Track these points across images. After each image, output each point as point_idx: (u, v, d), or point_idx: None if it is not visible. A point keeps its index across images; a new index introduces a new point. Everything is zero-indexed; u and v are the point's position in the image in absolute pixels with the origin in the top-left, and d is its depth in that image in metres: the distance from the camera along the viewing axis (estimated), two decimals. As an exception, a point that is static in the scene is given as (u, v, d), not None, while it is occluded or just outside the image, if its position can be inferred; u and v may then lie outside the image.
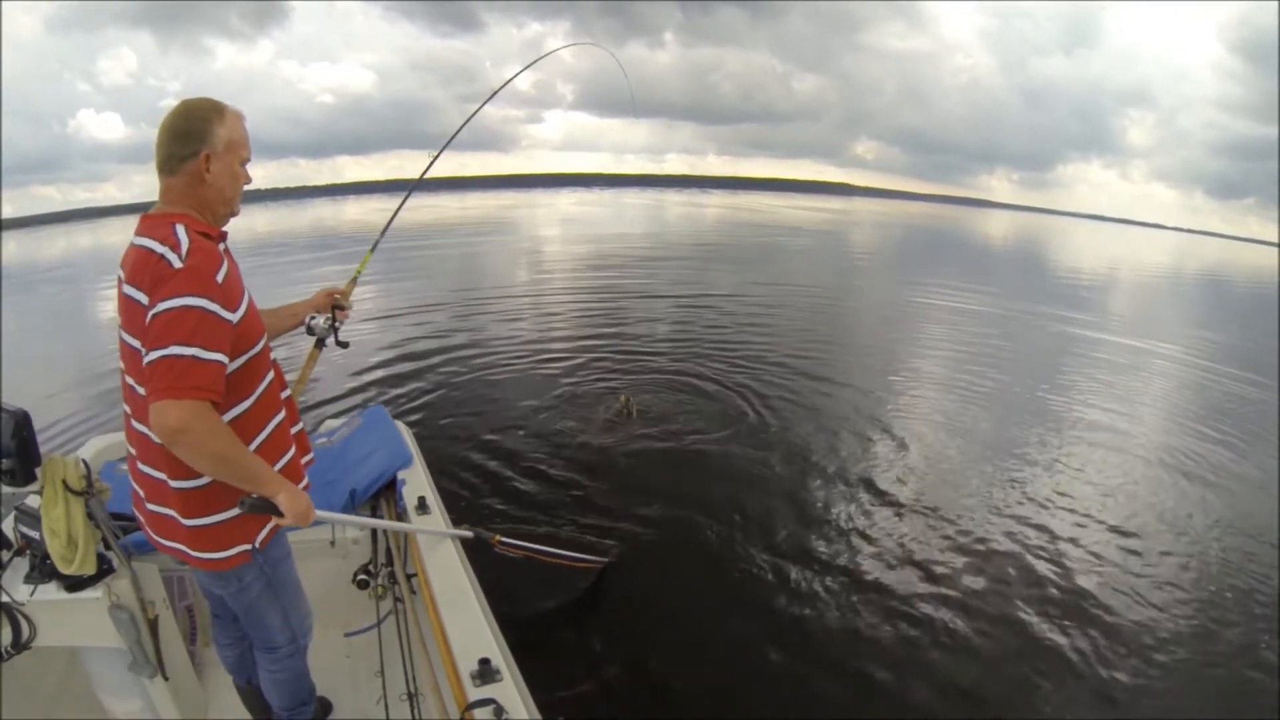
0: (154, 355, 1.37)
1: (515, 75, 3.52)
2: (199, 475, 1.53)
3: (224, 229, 1.63)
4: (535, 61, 3.79)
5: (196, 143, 1.50)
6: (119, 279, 1.53)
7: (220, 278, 1.47)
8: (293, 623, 1.91)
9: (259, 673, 2.02)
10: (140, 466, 1.63)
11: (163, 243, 1.43)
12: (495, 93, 3.32)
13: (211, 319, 1.42)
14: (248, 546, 1.66)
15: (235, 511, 1.56)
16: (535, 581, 3.40)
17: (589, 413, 6.11)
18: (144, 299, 1.42)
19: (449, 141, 3.18)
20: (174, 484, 1.56)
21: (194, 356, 1.37)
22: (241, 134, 1.58)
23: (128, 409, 1.61)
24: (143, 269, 1.44)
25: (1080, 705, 3.01)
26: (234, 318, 1.48)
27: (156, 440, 1.48)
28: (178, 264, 1.41)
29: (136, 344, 1.45)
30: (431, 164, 3.19)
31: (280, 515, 1.56)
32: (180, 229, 1.46)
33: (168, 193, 1.53)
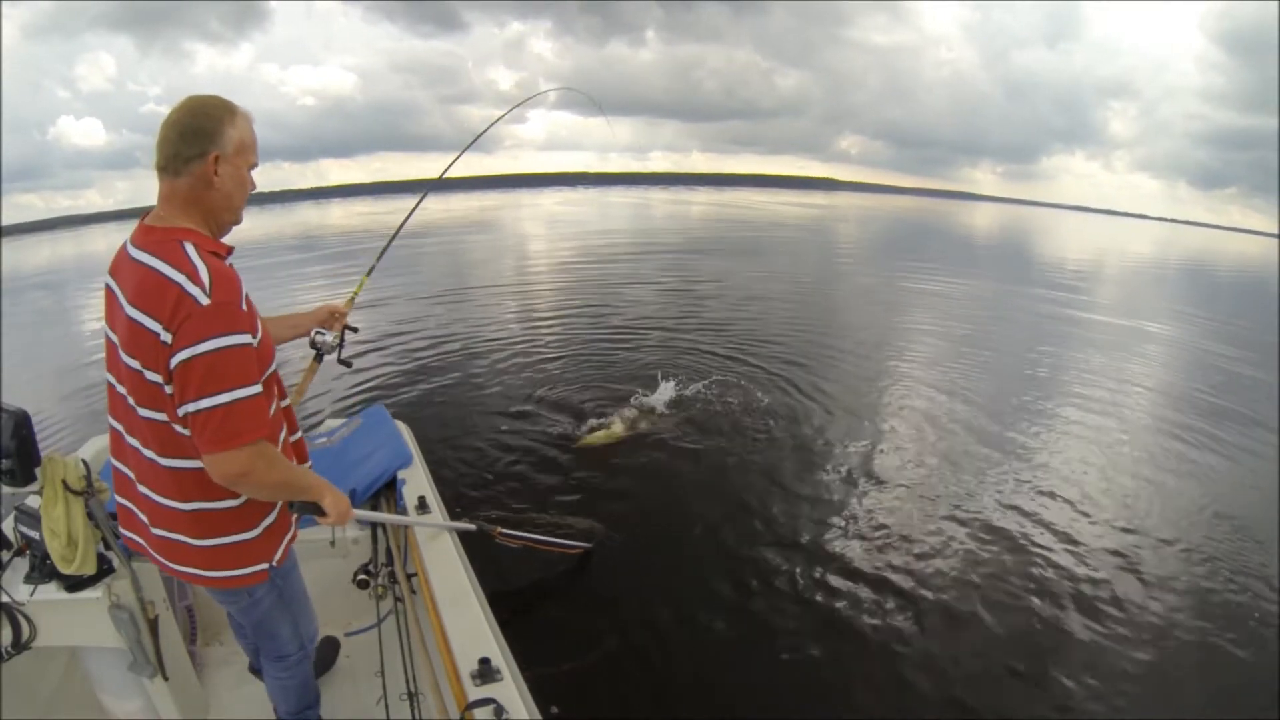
0: (198, 406, 1.34)
1: (516, 107, 4.06)
2: (215, 498, 1.51)
3: (230, 245, 1.54)
4: (529, 99, 4.32)
5: (206, 142, 1.40)
6: (112, 291, 1.45)
7: (244, 305, 1.42)
8: (301, 631, 1.92)
9: (265, 679, 2.03)
10: (142, 490, 1.55)
11: (177, 267, 1.34)
12: (505, 114, 3.73)
13: (246, 352, 1.40)
14: (265, 565, 1.64)
15: (252, 533, 1.60)
16: (529, 569, 3.51)
17: (583, 405, 6.13)
18: (160, 330, 1.33)
19: (462, 152, 3.35)
20: (184, 506, 1.51)
21: (239, 399, 1.37)
22: (252, 137, 1.49)
23: (119, 426, 1.54)
24: (156, 297, 1.34)
25: (1077, 704, 2.96)
26: (256, 342, 1.45)
27: (163, 464, 1.48)
28: (204, 300, 1.32)
29: (138, 365, 1.38)
30: (449, 167, 3.38)
31: (324, 515, 1.63)
32: (191, 250, 1.37)
33: (169, 197, 1.43)
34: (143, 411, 1.44)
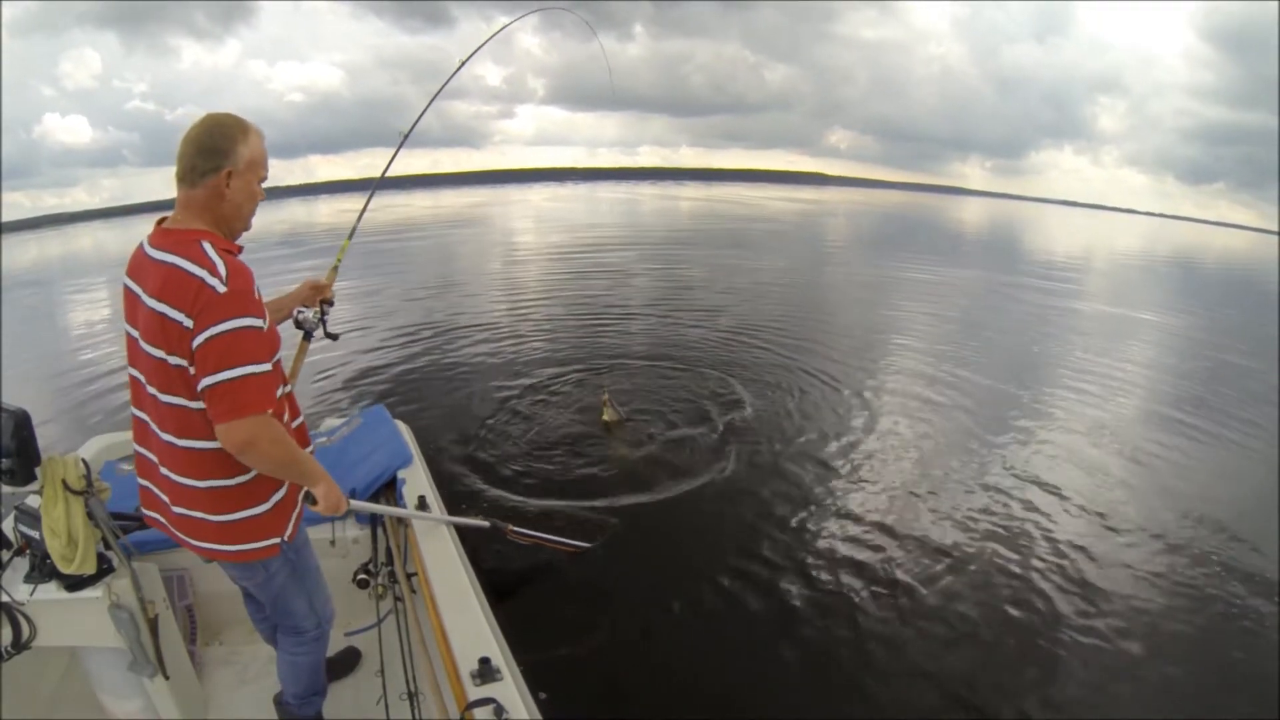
0: (214, 380, 1.48)
1: (483, 44, 3.55)
2: (228, 475, 1.64)
3: (240, 245, 1.67)
4: (506, 26, 4.06)
5: (219, 158, 1.54)
6: (131, 290, 1.57)
7: (257, 294, 1.56)
8: (317, 606, 2.01)
9: (279, 657, 2.09)
10: (163, 472, 1.68)
11: (197, 263, 1.48)
12: (461, 65, 3.32)
13: (257, 334, 1.54)
14: (277, 540, 1.76)
15: (264, 507, 1.71)
16: (528, 565, 3.55)
17: (577, 399, 6.16)
18: (183, 319, 1.46)
19: (414, 125, 3.15)
20: (201, 484, 1.64)
21: (249, 374, 1.50)
22: (262, 153, 1.64)
23: (144, 416, 1.67)
24: (179, 289, 1.47)
25: (1073, 704, 2.94)
26: (265, 326, 1.57)
27: (181, 446, 1.61)
28: (221, 289, 1.47)
29: (161, 355, 1.51)
30: (397, 151, 3.18)
31: (314, 503, 1.75)
32: (209, 247, 1.51)
33: (186, 204, 1.57)
34: (163, 397, 1.57)
